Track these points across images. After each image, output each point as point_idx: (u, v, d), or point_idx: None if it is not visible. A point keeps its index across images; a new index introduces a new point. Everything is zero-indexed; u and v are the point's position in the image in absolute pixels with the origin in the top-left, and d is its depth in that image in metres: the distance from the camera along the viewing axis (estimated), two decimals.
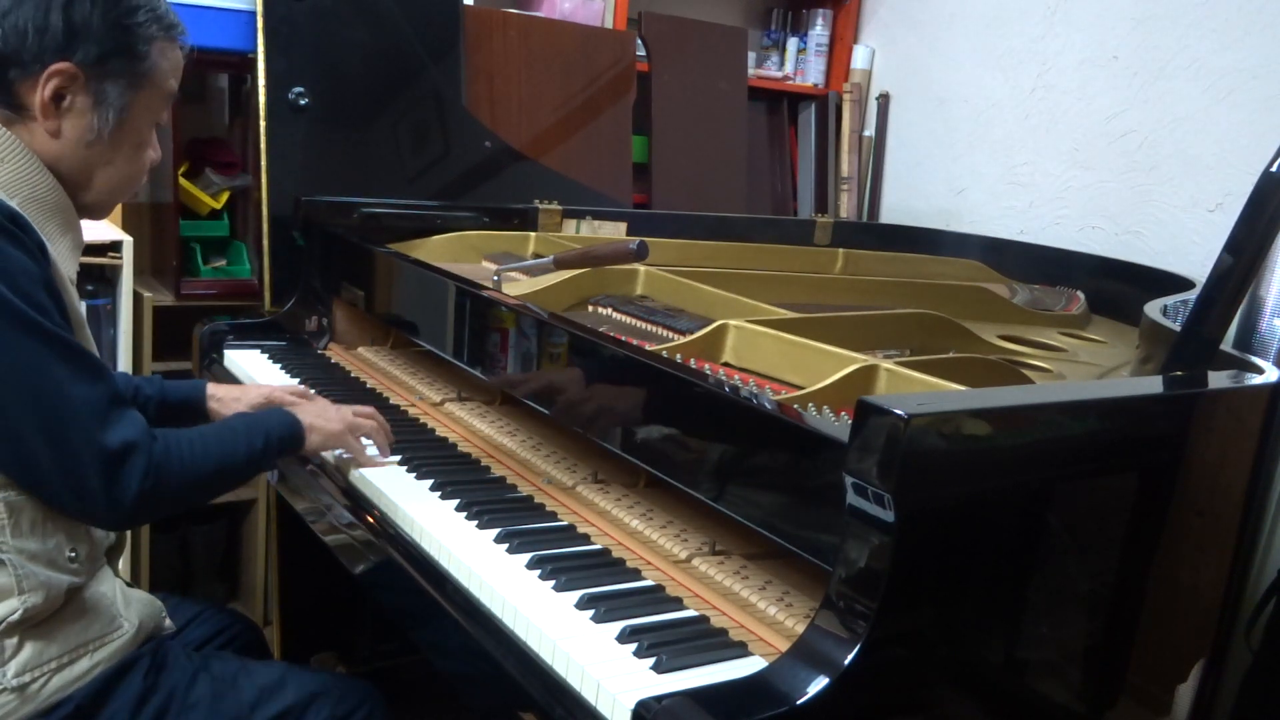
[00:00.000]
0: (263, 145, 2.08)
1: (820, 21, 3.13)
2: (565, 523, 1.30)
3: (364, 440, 1.45)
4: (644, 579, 1.17)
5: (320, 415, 1.42)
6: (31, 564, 1.15)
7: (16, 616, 1.14)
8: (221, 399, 1.53)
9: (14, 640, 1.15)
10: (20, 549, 1.14)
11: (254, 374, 1.84)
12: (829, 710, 0.89)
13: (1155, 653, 1.22)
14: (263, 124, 2.07)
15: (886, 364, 1.28)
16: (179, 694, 1.27)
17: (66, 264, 1.20)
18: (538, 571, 1.15)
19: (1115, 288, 2.21)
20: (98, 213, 1.28)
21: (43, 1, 1.14)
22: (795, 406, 1.17)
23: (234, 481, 1.33)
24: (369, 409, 1.48)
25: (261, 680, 1.33)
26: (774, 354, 1.41)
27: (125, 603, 1.28)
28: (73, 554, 1.19)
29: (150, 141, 1.28)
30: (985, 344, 1.70)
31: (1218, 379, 1.24)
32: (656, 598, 1.12)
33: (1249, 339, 1.51)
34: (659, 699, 0.89)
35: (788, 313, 1.60)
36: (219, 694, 1.29)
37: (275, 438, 1.34)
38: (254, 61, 2.08)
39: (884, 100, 3.08)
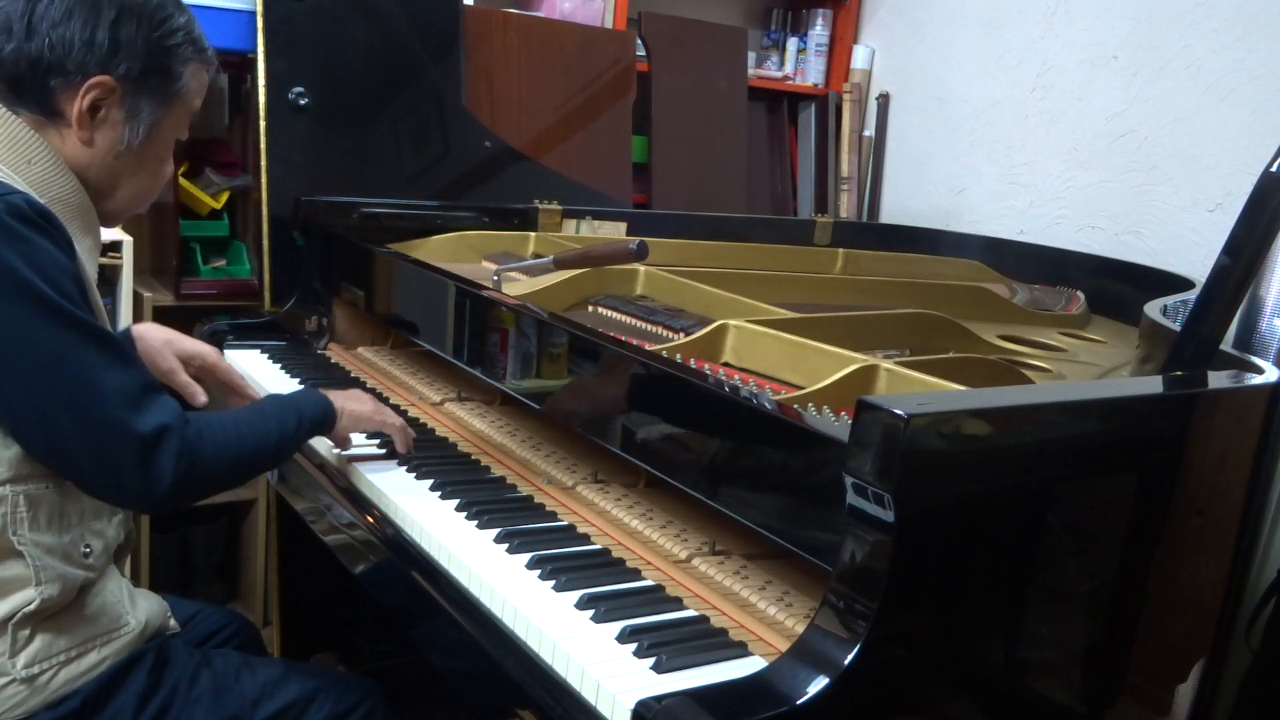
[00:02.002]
0: (263, 145, 2.08)
1: (820, 21, 3.13)
2: (565, 523, 1.30)
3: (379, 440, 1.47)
4: (644, 579, 1.17)
5: (352, 399, 1.44)
6: (48, 557, 1.17)
7: (33, 607, 1.16)
8: (147, 348, 1.49)
9: (26, 632, 1.16)
10: (37, 542, 1.16)
11: (254, 374, 1.84)
12: (829, 710, 0.89)
13: (1155, 653, 1.22)
14: (263, 124, 2.07)
15: (886, 364, 1.28)
16: (182, 690, 1.28)
17: (88, 264, 1.23)
18: (538, 571, 1.15)
19: (1115, 288, 2.21)
20: (114, 220, 1.32)
21: (92, 17, 1.18)
22: (795, 406, 1.17)
23: (268, 463, 1.36)
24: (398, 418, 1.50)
25: (263, 677, 1.35)
26: (774, 354, 1.41)
27: (132, 601, 1.29)
28: (87, 549, 1.21)
29: (169, 156, 1.32)
30: (985, 344, 1.70)
31: (1218, 379, 1.24)
32: (656, 598, 1.12)
33: (1249, 339, 1.51)
34: (659, 699, 0.89)
35: (788, 313, 1.60)
36: (221, 690, 1.31)
37: (308, 419, 1.35)
38: (254, 61, 2.08)
39: (884, 100, 3.08)
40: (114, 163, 1.24)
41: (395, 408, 1.69)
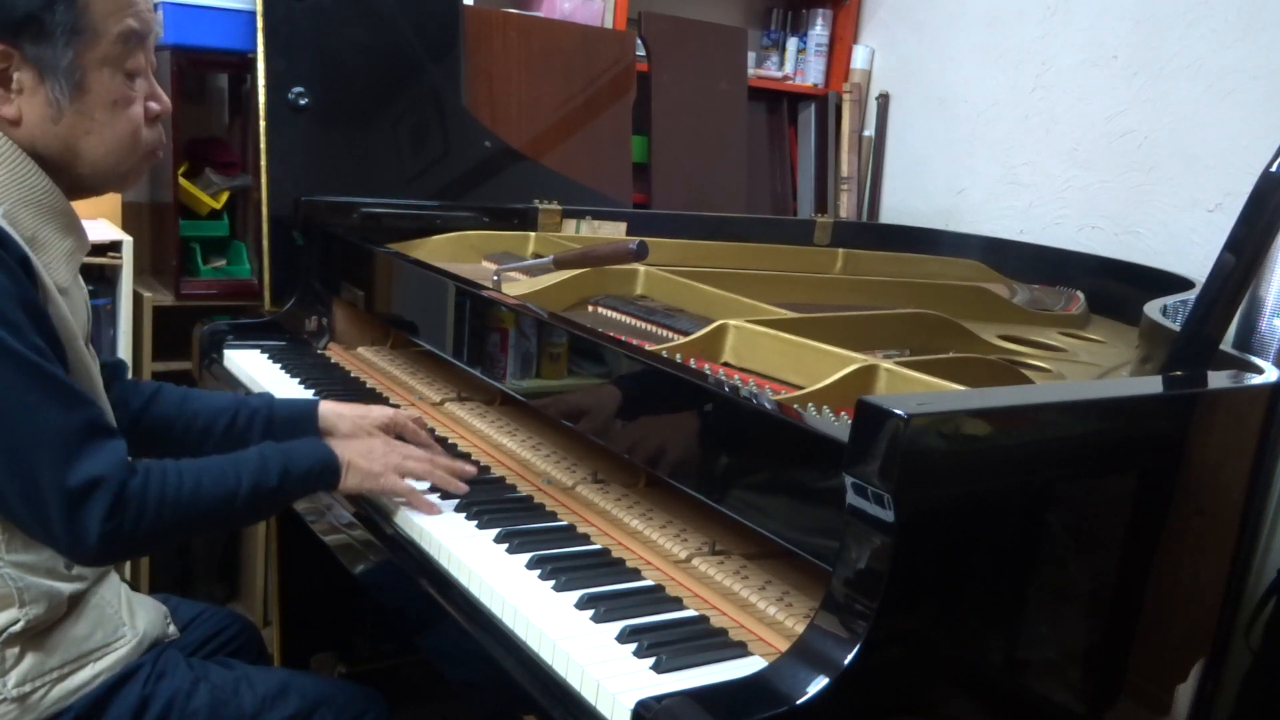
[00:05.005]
0: (262, 145, 2.08)
1: (820, 21, 3.13)
2: (565, 523, 1.29)
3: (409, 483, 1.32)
4: (644, 579, 1.17)
5: (364, 454, 1.29)
6: (30, 575, 1.14)
7: (19, 627, 1.13)
8: (331, 423, 1.42)
9: (15, 650, 1.14)
10: (16, 562, 1.13)
11: (254, 374, 1.84)
12: (829, 710, 0.89)
13: (1155, 653, 1.22)
14: (262, 124, 2.07)
15: (886, 364, 1.28)
16: (178, 703, 1.25)
17: (62, 270, 1.15)
18: (538, 571, 1.15)
19: (1115, 288, 2.21)
20: (113, 184, 1.20)
21: None
22: (795, 406, 1.17)
23: (237, 520, 1.25)
24: (425, 455, 1.35)
25: (263, 689, 1.31)
26: (774, 354, 1.41)
27: (130, 610, 1.26)
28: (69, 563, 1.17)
29: (130, 96, 1.16)
30: (985, 344, 1.70)
31: (1218, 379, 1.24)
32: (656, 598, 1.12)
33: (1249, 339, 1.51)
34: (659, 699, 0.89)
35: (788, 313, 1.60)
36: (219, 703, 1.27)
37: (299, 474, 1.23)
38: (254, 61, 2.08)
39: (884, 100, 3.08)
40: (57, 129, 1.12)
41: (395, 408, 1.69)
